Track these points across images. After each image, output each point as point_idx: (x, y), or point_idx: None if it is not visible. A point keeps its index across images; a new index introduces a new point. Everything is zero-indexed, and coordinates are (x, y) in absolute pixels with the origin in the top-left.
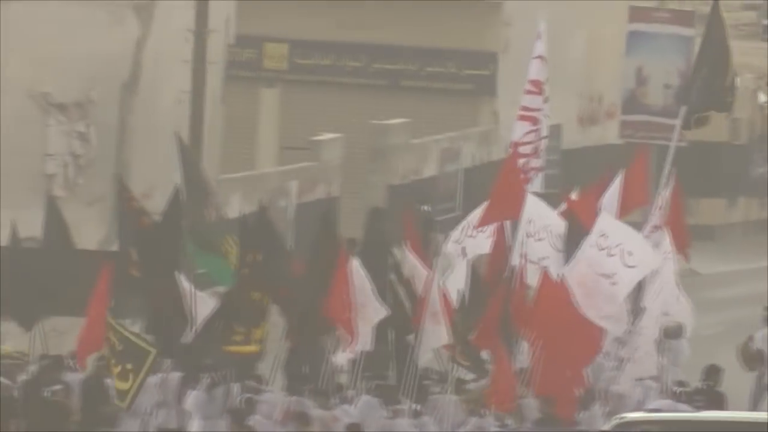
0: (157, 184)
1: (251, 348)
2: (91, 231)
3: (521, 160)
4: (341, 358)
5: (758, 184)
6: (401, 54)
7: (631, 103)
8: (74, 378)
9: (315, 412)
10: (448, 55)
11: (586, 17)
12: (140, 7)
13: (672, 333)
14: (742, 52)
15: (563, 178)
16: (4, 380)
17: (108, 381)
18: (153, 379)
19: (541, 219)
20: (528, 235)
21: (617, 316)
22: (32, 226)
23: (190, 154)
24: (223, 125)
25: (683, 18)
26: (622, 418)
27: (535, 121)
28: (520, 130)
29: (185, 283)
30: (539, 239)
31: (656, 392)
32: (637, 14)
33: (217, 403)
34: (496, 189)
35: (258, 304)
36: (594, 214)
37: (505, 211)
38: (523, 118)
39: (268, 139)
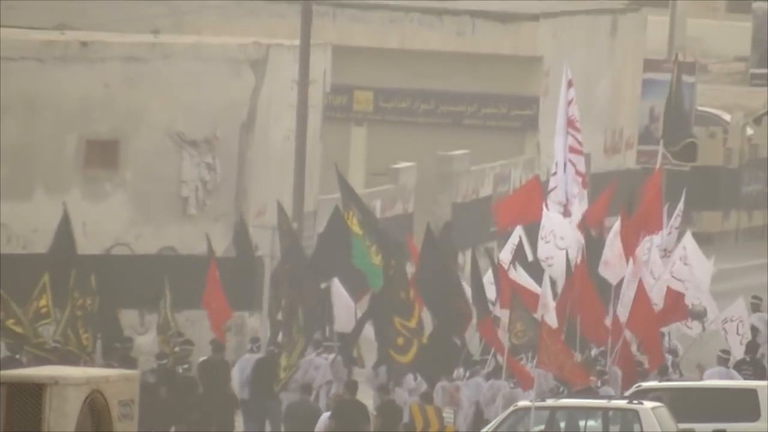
0: (268, 204)
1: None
2: (217, 241)
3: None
4: None
5: (747, 199)
6: (463, 98)
7: (646, 136)
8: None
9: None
10: (500, 98)
11: (610, 68)
12: (255, 62)
13: (696, 314)
14: (734, 95)
15: (591, 198)
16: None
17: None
18: (320, 360)
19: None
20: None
21: None
22: (171, 237)
23: (345, 182)
24: (322, 157)
25: (686, 68)
26: (639, 386)
27: (580, 152)
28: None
29: (340, 287)
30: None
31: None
32: (650, 65)
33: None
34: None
35: (406, 302)
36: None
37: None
38: (574, 151)
39: (357, 168)
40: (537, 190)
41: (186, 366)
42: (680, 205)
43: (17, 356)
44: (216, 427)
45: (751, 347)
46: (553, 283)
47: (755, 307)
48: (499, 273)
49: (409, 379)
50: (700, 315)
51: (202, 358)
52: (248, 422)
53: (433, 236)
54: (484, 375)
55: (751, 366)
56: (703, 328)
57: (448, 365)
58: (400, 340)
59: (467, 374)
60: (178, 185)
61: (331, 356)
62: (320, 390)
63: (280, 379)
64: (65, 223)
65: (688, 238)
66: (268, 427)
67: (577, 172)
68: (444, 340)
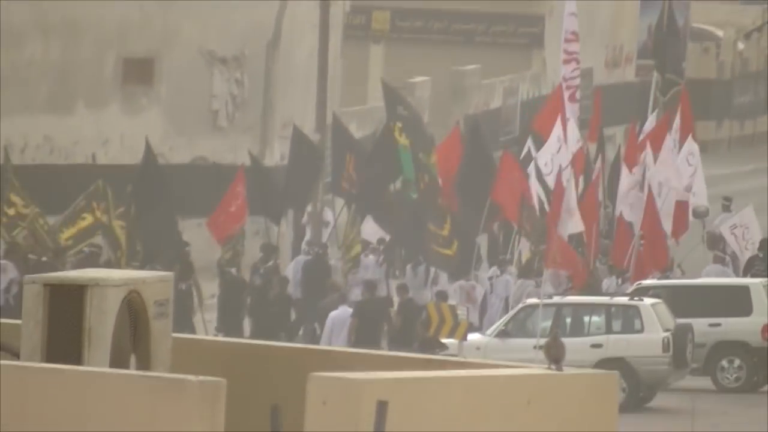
0: (294, 117)
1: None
2: (245, 151)
3: (569, 91)
4: None
5: (739, 110)
6: (474, 17)
7: (644, 51)
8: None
9: None
10: (509, 17)
11: None
12: None
13: (699, 214)
14: (726, 12)
15: (593, 108)
16: None
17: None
18: (368, 260)
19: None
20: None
21: None
22: (202, 148)
23: (390, 89)
24: (342, 73)
25: None
26: (639, 284)
27: (577, 61)
28: (568, 69)
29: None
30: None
31: None
32: None
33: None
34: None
35: (439, 210)
36: None
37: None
38: (567, 61)
39: (376, 82)
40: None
41: (234, 269)
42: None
43: (43, 258)
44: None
45: (763, 245)
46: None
47: (725, 208)
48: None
49: (444, 278)
50: (702, 215)
51: (253, 261)
52: (300, 321)
53: (476, 126)
54: (514, 273)
55: (764, 262)
56: (704, 226)
57: (468, 266)
58: (435, 245)
59: (498, 272)
60: (209, 100)
61: (378, 257)
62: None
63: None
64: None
65: (691, 144)
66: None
67: (566, 82)
68: (467, 241)
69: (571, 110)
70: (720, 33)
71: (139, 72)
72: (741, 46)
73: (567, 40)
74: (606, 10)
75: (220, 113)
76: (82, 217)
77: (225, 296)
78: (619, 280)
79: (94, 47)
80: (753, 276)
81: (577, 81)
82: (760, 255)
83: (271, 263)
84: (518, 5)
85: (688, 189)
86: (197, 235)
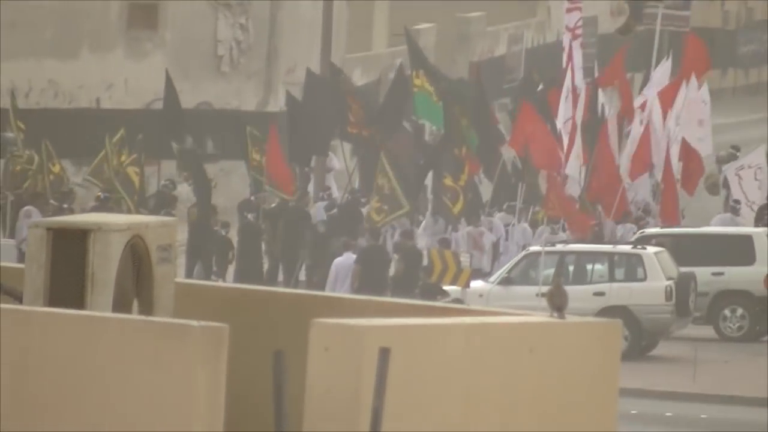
0: (299, 63)
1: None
2: (249, 97)
3: (575, 39)
4: None
5: (744, 58)
6: None
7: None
8: None
9: None
10: None
11: None
12: None
13: (724, 159)
14: None
15: (598, 55)
16: None
17: None
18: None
19: None
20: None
21: None
22: (206, 93)
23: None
24: (347, 19)
25: None
26: (643, 232)
27: (580, 9)
28: (572, 18)
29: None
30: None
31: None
32: None
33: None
34: None
35: (458, 159)
36: None
37: None
38: (571, 9)
39: (381, 29)
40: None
41: (255, 214)
42: (668, 63)
43: (65, 206)
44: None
45: None
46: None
47: (731, 157)
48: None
49: (463, 224)
50: (729, 158)
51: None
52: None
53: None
54: (530, 221)
55: None
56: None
57: (475, 213)
58: (449, 195)
59: (516, 220)
60: (213, 45)
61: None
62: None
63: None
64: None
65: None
66: None
67: (571, 31)
68: (476, 188)
69: (578, 57)
70: None
71: (143, 17)
72: None
73: None
74: None
75: (225, 58)
76: (105, 164)
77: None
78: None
79: None
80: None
81: (581, 30)
82: None
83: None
84: None
85: (699, 137)
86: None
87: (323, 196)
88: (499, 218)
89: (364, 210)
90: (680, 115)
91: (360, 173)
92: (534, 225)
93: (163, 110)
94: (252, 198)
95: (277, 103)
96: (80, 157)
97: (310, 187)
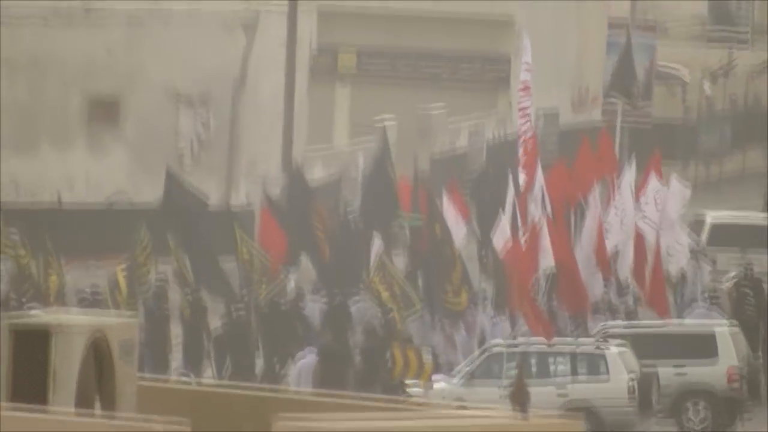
0: (259, 156)
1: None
2: (211, 192)
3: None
4: None
5: (704, 152)
6: (440, 58)
7: (610, 92)
8: None
9: None
10: (475, 58)
11: (578, 29)
12: (247, 25)
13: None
14: (692, 53)
15: (560, 150)
16: None
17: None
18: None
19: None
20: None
21: None
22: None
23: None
24: (309, 113)
25: (647, 28)
26: (605, 325)
27: (527, 115)
28: (521, 122)
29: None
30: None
31: None
32: (614, 25)
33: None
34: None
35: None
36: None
37: None
38: (522, 113)
39: (342, 123)
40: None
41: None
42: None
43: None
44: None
45: (757, 284)
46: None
47: (692, 254)
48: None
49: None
50: (708, 256)
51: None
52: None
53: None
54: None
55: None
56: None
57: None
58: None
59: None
60: (174, 140)
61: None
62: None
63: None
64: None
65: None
66: None
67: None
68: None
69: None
70: (686, 74)
71: (104, 111)
72: (707, 87)
73: (520, 91)
74: (572, 51)
75: (186, 153)
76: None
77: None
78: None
79: (59, 87)
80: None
81: (530, 133)
82: (750, 293)
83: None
84: (484, 46)
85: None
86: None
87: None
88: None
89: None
90: (648, 209)
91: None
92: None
93: (163, 207)
94: (243, 292)
95: (239, 198)
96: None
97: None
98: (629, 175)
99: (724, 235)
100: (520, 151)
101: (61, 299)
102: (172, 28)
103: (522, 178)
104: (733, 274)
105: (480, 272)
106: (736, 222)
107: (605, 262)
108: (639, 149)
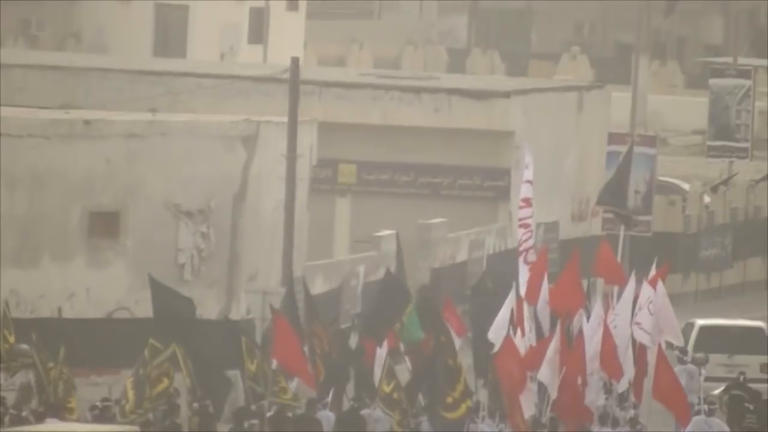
0: (261, 270)
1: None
2: (211, 305)
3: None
4: None
5: (705, 263)
6: (440, 170)
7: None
8: None
9: None
10: (475, 170)
11: (577, 141)
12: (247, 138)
13: (699, 361)
14: (692, 165)
15: (560, 261)
16: None
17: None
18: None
19: None
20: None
21: None
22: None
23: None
24: (309, 226)
25: (647, 141)
26: None
27: (528, 226)
28: (521, 234)
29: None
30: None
31: None
32: (614, 138)
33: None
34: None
35: (452, 369)
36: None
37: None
38: (522, 226)
39: (342, 236)
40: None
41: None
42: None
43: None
44: None
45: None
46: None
47: (680, 360)
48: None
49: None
50: (702, 362)
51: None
52: None
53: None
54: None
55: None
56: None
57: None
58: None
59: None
60: (175, 253)
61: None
62: None
63: None
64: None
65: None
66: None
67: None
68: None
69: (523, 273)
70: (686, 186)
71: (104, 225)
72: (707, 199)
73: (520, 207)
74: (572, 163)
75: (186, 267)
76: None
77: None
78: None
79: (59, 200)
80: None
81: (530, 243)
82: (746, 400)
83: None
84: (484, 158)
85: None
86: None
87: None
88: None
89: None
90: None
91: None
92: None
93: (158, 317)
94: (252, 407)
95: (239, 311)
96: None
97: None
98: (630, 284)
99: (712, 339)
100: (520, 261)
101: (68, 410)
102: (172, 141)
103: (522, 290)
104: (725, 382)
105: (476, 379)
106: (723, 324)
107: (610, 371)
108: (639, 259)
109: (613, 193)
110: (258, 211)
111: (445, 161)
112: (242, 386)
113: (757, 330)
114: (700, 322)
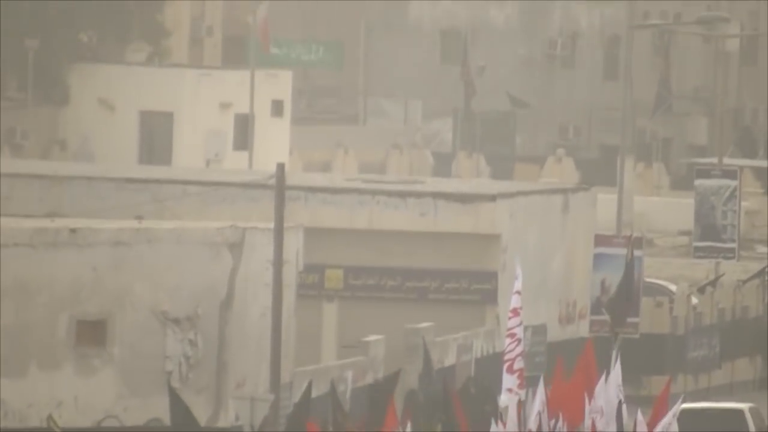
0: (249, 376)
1: None
2: (200, 412)
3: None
4: None
5: (693, 364)
6: (427, 274)
7: (597, 306)
8: None
9: None
10: (461, 274)
11: (564, 243)
12: (233, 244)
13: None
14: (679, 266)
15: (549, 364)
16: None
17: None
18: None
19: None
20: None
21: None
22: (157, 409)
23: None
24: (296, 332)
25: (635, 242)
26: None
27: (515, 335)
28: (508, 343)
29: None
30: None
31: None
32: (600, 240)
33: None
34: None
35: None
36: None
37: None
38: (509, 335)
39: (330, 341)
40: None
41: None
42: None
43: None
44: None
45: None
46: None
47: None
48: None
49: None
50: None
51: None
52: None
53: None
54: None
55: None
56: None
57: None
58: None
59: None
60: (162, 361)
61: None
62: None
63: None
64: None
65: None
66: None
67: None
68: None
69: (510, 381)
70: (673, 287)
71: (91, 333)
72: (694, 300)
73: (509, 317)
74: (558, 266)
75: (174, 374)
76: None
77: None
78: None
79: (46, 309)
80: None
81: (517, 351)
82: None
83: None
84: (470, 262)
85: None
86: None
87: None
88: None
89: None
90: None
91: None
92: None
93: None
94: None
95: (228, 419)
96: None
97: None
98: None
99: (692, 423)
100: (504, 370)
101: None
102: (158, 248)
103: (510, 397)
104: None
105: None
106: (703, 407)
107: None
108: (626, 361)
109: (620, 306)
110: (245, 318)
111: (432, 265)
112: None
113: (738, 412)
114: (681, 405)
